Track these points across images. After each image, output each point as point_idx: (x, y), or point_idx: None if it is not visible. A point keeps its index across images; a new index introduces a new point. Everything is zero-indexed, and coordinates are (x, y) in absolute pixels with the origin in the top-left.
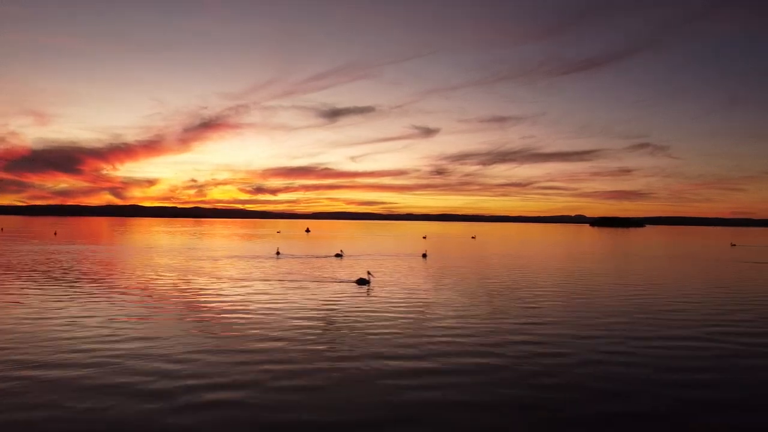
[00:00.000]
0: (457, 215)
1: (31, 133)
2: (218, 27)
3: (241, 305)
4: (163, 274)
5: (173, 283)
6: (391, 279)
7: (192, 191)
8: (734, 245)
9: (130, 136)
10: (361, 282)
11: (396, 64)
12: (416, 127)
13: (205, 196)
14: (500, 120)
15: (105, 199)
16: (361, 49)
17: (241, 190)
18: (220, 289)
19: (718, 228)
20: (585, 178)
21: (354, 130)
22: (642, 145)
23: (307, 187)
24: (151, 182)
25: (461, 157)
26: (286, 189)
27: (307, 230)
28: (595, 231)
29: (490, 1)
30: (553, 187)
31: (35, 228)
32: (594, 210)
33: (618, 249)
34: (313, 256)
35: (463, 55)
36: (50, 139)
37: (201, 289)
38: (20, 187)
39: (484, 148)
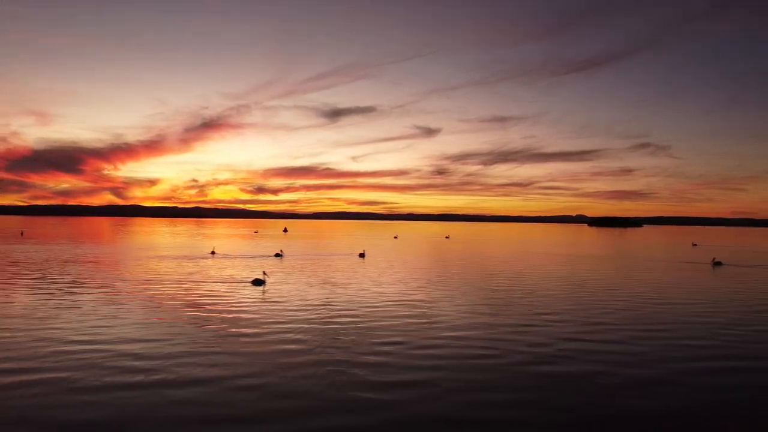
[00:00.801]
0: (458, 215)
1: (33, 133)
2: (219, 27)
3: (109, 306)
4: (72, 269)
5: (74, 280)
6: (300, 279)
7: (193, 191)
8: (695, 245)
9: (132, 136)
10: (257, 282)
11: (397, 63)
12: (417, 127)
13: (206, 196)
14: (501, 120)
15: (106, 199)
16: (362, 49)
17: (243, 190)
18: (113, 287)
19: (718, 228)
20: (586, 178)
21: (355, 130)
22: (643, 145)
23: (308, 187)
24: (152, 182)
25: (462, 157)
26: (288, 189)
27: (285, 230)
28: (590, 231)
29: (491, 1)
30: (554, 187)
31: (36, 227)
32: (595, 210)
33: (581, 249)
34: (249, 257)
35: (464, 55)
36: (51, 139)
37: (90, 288)
38: (22, 187)
39: (486, 148)
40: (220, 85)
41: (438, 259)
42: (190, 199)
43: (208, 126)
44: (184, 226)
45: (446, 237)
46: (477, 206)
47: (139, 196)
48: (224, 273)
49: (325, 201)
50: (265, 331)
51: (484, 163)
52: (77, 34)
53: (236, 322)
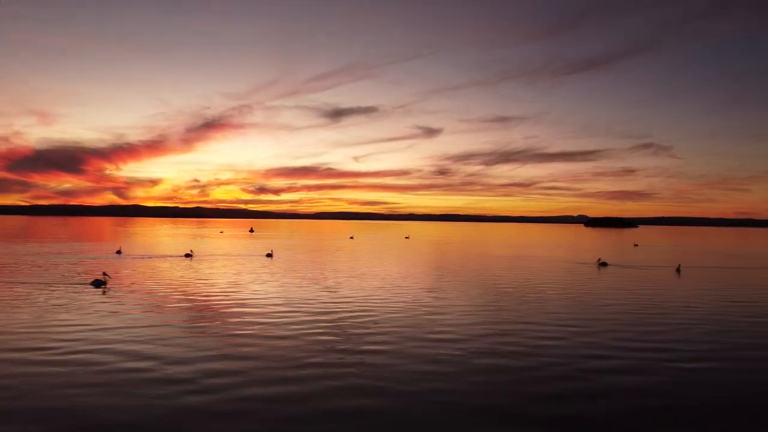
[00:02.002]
0: (460, 215)
1: (35, 133)
2: (221, 27)
3: None
4: None
5: None
6: (150, 280)
7: (195, 191)
8: (636, 245)
9: (133, 136)
10: (97, 284)
11: (398, 64)
12: (419, 127)
13: (207, 196)
14: (503, 120)
15: (108, 199)
16: (363, 49)
17: (244, 190)
18: None
19: (718, 228)
20: (588, 179)
21: (357, 130)
22: (645, 146)
23: (309, 187)
24: (154, 182)
25: (464, 157)
26: (289, 189)
27: (251, 230)
28: (580, 231)
29: (492, 1)
30: (556, 187)
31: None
32: (597, 210)
33: (531, 251)
34: (157, 256)
35: (465, 55)
36: (54, 139)
37: None
38: (24, 186)
39: (487, 148)
40: (221, 85)
41: (350, 260)
42: (191, 199)
43: (209, 126)
44: (167, 225)
45: (406, 237)
46: (478, 206)
47: (140, 196)
48: (84, 273)
49: (327, 201)
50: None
51: (486, 164)
52: (79, 34)
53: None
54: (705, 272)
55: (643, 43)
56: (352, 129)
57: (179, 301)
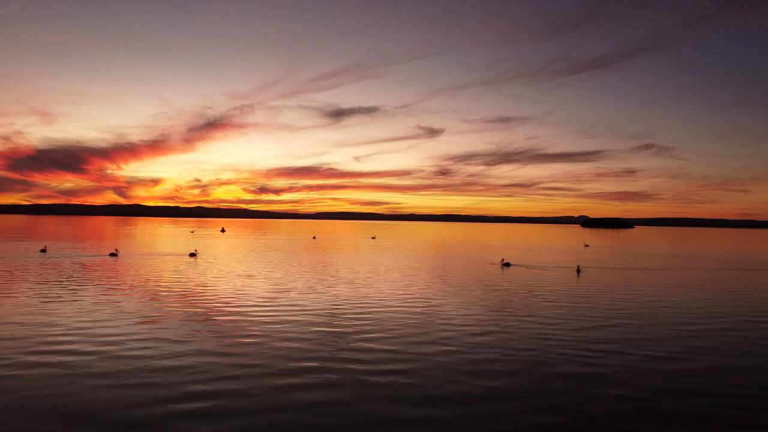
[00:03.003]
0: (461, 216)
1: (37, 132)
2: (223, 27)
3: None
4: None
5: None
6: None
7: (196, 191)
8: (587, 246)
9: (135, 136)
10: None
11: (401, 64)
12: (421, 128)
13: (209, 195)
14: (505, 120)
15: (109, 198)
16: (366, 49)
17: (245, 190)
18: None
19: (718, 230)
20: (589, 179)
21: (359, 130)
22: (647, 146)
23: (311, 187)
24: (155, 182)
25: (466, 158)
26: (290, 189)
27: (222, 230)
28: (572, 232)
29: (495, 1)
30: (557, 188)
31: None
32: (598, 211)
33: (475, 252)
34: (83, 255)
35: (468, 55)
36: (55, 138)
37: None
38: (25, 186)
39: (489, 149)
40: (223, 85)
41: (279, 260)
42: (192, 198)
43: (211, 126)
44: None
45: (372, 237)
46: (479, 207)
47: (142, 196)
48: None
49: (328, 201)
50: None
51: (487, 164)
52: (81, 33)
53: None
54: (604, 273)
55: (647, 44)
56: (353, 129)
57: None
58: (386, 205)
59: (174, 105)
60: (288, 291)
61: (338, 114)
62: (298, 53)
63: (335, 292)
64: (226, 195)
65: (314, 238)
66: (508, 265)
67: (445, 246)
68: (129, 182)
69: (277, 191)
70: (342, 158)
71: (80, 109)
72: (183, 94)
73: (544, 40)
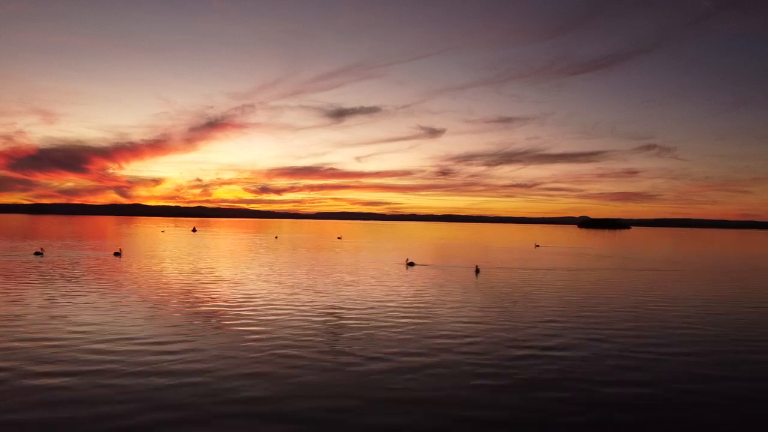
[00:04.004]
0: (462, 216)
1: (38, 131)
2: (224, 27)
3: None
4: None
5: None
6: None
7: (197, 191)
8: (538, 246)
9: (136, 136)
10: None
11: (402, 64)
12: (422, 128)
13: (210, 195)
14: (506, 121)
15: (110, 198)
16: (367, 49)
17: (246, 189)
18: None
19: (720, 231)
20: (590, 180)
21: (360, 131)
22: (648, 147)
23: (311, 187)
24: (156, 181)
25: (467, 158)
26: (291, 189)
27: (194, 230)
28: (578, 232)
29: (497, 1)
30: (558, 188)
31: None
32: (599, 212)
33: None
34: (5, 256)
35: (470, 55)
36: (57, 137)
37: None
38: (27, 185)
39: (490, 149)
40: (225, 85)
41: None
42: (193, 198)
43: (212, 125)
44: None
45: (338, 237)
46: (480, 207)
47: (143, 195)
48: None
49: (329, 201)
50: None
51: (488, 164)
52: (82, 33)
53: None
54: (501, 273)
55: (648, 44)
56: (354, 129)
57: None
58: (387, 206)
59: (175, 105)
60: (176, 288)
61: (339, 114)
62: (299, 53)
63: (219, 290)
64: (227, 195)
65: (276, 237)
66: (412, 264)
67: (367, 245)
68: (130, 182)
69: (278, 191)
70: (343, 158)
71: (81, 109)
72: (184, 94)
73: (544, 40)
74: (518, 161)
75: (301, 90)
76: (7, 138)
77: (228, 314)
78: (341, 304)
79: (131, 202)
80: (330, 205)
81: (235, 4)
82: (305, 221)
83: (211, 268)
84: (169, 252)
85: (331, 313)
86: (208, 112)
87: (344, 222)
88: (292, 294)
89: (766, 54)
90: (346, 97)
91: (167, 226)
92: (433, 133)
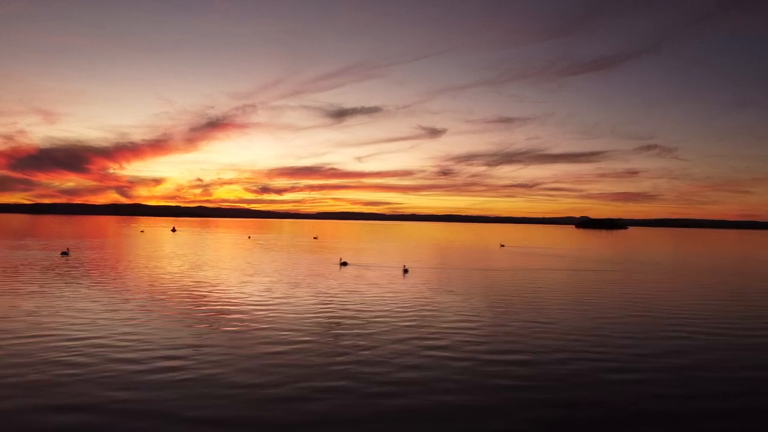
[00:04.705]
0: (462, 216)
1: (39, 131)
2: (226, 27)
3: None
4: None
5: None
6: None
7: (198, 190)
8: (503, 246)
9: (137, 135)
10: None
11: (403, 64)
12: (423, 128)
13: (210, 195)
14: (507, 121)
15: (111, 197)
16: (368, 49)
17: (247, 189)
18: None
19: (719, 231)
20: (591, 180)
21: (360, 131)
22: (649, 147)
23: (312, 187)
24: (157, 181)
25: (467, 158)
26: (292, 189)
27: (173, 229)
28: (575, 232)
29: (497, 1)
30: (559, 188)
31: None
32: (599, 212)
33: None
34: None
35: (470, 55)
36: (58, 137)
37: None
38: (27, 185)
39: (491, 149)
40: (225, 85)
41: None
42: (194, 198)
43: (213, 125)
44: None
45: (314, 237)
46: (481, 207)
47: (143, 195)
48: None
49: (329, 201)
50: None
51: (489, 164)
52: (83, 33)
53: None
54: (433, 273)
55: (649, 44)
56: (355, 129)
57: None
58: (388, 206)
59: (176, 105)
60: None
61: (340, 114)
62: (299, 53)
63: (147, 288)
64: (227, 195)
65: (249, 237)
66: (345, 264)
67: (335, 246)
68: (131, 182)
69: (278, 191)
70: (344, 158)
71: (82, 109)
72: (184, 94)
73: (544, 40)
74: (519, 161)
75: (302, 90)
76: (8, 138)
77: (122, 308)
78: (242, 301)
79: (132, 202)
80: (330, 205)
81: (235, 4)
82: (305, 221)
83: (150, 266)
84: (124, 252)
85: (230, 310)
86: (209, 112)
87: (344, 222)
88: (198, 291)
89: (766, 54)
90: (347, 97)
91: (147, 227)
92: (434, 133)
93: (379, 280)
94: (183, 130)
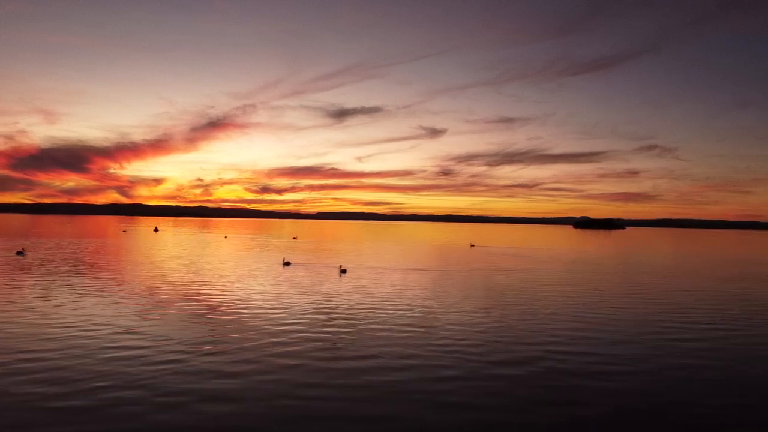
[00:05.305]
0: (463, 216)
1: (40, 131)
2: (226, 27)
3: None
4: None
5: None
6: None
7: (198, 190)
8: (473, 245)
9: (138, 135)
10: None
11: (403, 64)
12: (423, 128)
13: (211, 195)
14: (507, 121)
15: (112, 197)
16: (368, 49)
17: (247, 189)
18: None
19: (719, 231)
20: (592, 180)
21: (361, 131)
22: (650, 147)
23: (312, 187)
24: (157, 181)
25: (468, 158)
26: (292, 189)
27: (156, 229)
28: (572, 233)
29: (496, 1)
30: (560, 188)
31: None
32: (600, 212)
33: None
34: None
35: (471, 55)
36: (58, 137)
37: None
38: (28, 185)
39: (491, 149)
40: (226, 85)
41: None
42: (195, 198)
43: (214, 125)
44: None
45: (294, 237)
46: (481, 207)
47: (144, 195)
48: None
49: (330, 201)
50: None
51: (490, 164)
52: (84, 33)
53: None
54: (368, 273)
55: (649, 44)
56: (356, 129)
57: None
58: (388, 206)
59: (176, 105)
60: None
61: (340, 114)
62: (299, 53)
63: (81, 285)
64: (228, 195)
65: (225, 237)
66: (288, 264)
67: (308, 247)
68: (131, 181)
69: (279, 191)
70: (344, 158)
71: (83, 109)
72: (185, 94)
73: (544, 40)
74: (519, 161)
75: (302, 90)
76: (9, 138)
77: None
78: (163, 300)
79: (132, 202)
80: (331, 205)
81: (235, 4)
82: (306, 221)
83: (99, 264)
84: (86, 252)
85: (144, 308)
86: (210, 112)
87: (344, 222)
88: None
89: (766, 54)
90: (347, 97)
91: (130, 227)
92: (434, 133)
93: (313, 280)
94: (183, 130)
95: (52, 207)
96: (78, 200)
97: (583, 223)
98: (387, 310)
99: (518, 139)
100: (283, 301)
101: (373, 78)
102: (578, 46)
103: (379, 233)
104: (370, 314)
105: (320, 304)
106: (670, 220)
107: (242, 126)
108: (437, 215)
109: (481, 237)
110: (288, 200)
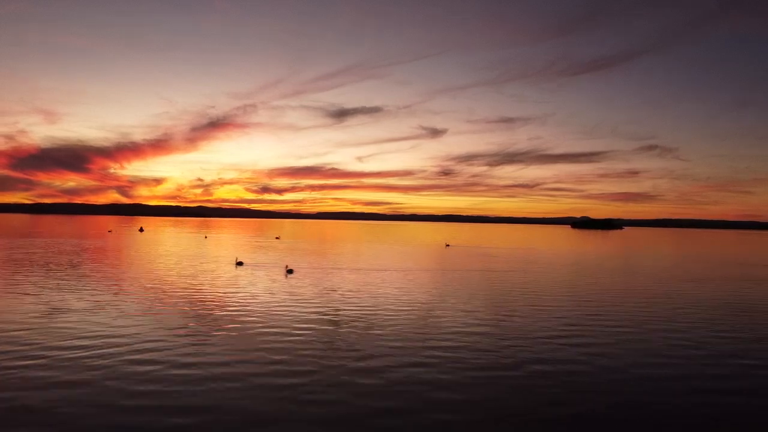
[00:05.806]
0: (463, 216)
1: (40, 131)
2: (226, 27)
3: None
4: None
5: None
6: None
7: (198, 190)
8: (448, 245)
9: (138, 135)
10: None
11: (404, 64)
12: (423, 128)
13: (211, 195)
14: (508, 121)
15: (112, 197)
16: (369, 49)
17: (248, 189)
18: None
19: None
20: (592, 180)
21: (361, 130)
22: (650, 147)
23: (313, 187)
24: (158, 181)
25: (468, 158)
26: (293, 189)
27: (141, 229)
28: (570, 233)
29: (499, 1)
30: (560, 188)
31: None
32: (600, 212)
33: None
34: None
35: (471, 55)
36: (59, 137)
37: None
38: (28, 185)
39: (492, 149)
40: (226, 85)
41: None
42: (195, 198)
43: (214, 125)
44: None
45: (276, 237)
46: (482, 207)
47: (144, 195)
48: None
49: (330, 201)
50: None
51: (490, 164)
52: (83, 33)
53: None
54: (317, 273)
55: (649, 45)
56: (356, 129)
57: None
58: (388, 206)
59: (176, 105)
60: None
61: (341, 114)
62: (300, 53)
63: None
64: (228, 195)
65: (206, 237)
66: (240, 264)
67: (284, 247)
68: (132, 181)
69: (279, 191)
70: (344, 158)
71: (83, 109)
72: (185, 94)
73: (544, 41)
74: (520, 161)
75: (303, 90)
76: (9, 137)
77: None
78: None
79: (132, 202)
80: (331, 205)
81: (236, 4)
82: (306, 221)
83: (63, 263)
84: (55, 251)
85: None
86: (210, 112)
87: (343, 222)
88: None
89: (766, 54)
90: (348, 97)
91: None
92: (435, 133)
93: (259, 280)
94: (184, 129)
95: (52, 207)
96: (78, 200)
97: (581, 224)
98: (307, 311)
99: (518, 139)
100: (221, 300)
101: (374, 78)
102: (578, 46)
103: (370, 233)
104: (289, 314)
105: (251, 304)
106: (671, 220)
107: (242, 126)
108: (437, 215)
109: (465, 237)
110: (288, 200)
